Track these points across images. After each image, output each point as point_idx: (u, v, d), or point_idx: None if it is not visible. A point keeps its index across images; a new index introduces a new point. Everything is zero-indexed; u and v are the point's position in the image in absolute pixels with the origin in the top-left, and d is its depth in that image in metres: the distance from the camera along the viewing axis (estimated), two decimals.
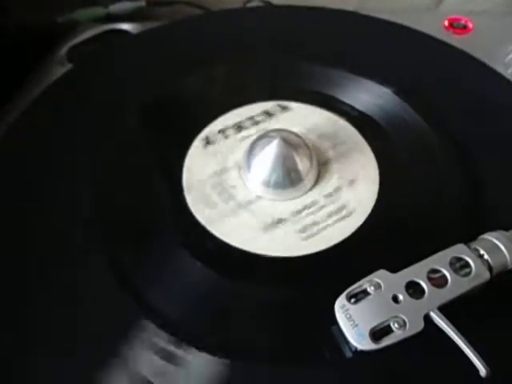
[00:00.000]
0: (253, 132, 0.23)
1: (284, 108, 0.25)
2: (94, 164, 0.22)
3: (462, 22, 0.33)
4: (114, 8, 0.37)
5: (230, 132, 0.24)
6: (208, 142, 0.23)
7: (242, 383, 0.16)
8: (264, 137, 0.21)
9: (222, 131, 0.24)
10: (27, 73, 0.31)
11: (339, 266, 0.19)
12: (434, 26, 0.32)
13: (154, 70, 0.27)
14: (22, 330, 0.17)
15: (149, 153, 0.23)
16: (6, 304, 0.17)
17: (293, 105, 0.25)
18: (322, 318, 0.17)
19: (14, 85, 0.29)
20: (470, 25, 0.33)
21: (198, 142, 0.23)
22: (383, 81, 0.25)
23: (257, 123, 0.24)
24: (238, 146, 0.23)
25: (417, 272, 0.16)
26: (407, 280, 0.15)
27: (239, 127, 0.24)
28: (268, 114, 0.24)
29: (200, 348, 0.16)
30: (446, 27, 0.32)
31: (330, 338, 0.16)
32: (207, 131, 0.24)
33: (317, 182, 0.21)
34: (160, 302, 0.17)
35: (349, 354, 0.16)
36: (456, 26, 0.32)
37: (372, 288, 0.15)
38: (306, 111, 0.24)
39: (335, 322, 0.15)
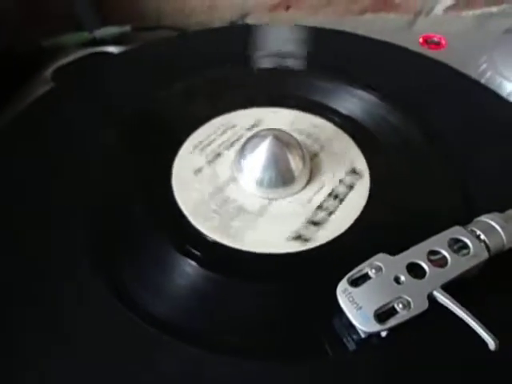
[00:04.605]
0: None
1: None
2: (80, 172, 0.22)
3: (435, 38, 0.35)
4: (100, 33, 0.37)
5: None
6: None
7: (242, 381, 0.15)
8: (256, 136, 0.21)
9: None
10: (13, 93, 0.31)
11: (337, 261, 0.18)
12: (410, 44, 0.34)
13: (132, 86, 0.27)
14: (14, 343, 0.16)
15: (132, 166, 0.23)
16: None
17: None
18: (322, 312, 0.16)
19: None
20: (444, 41, 0.34)
21: (185, 150, 0.23)
22: (368, 87, 0.25)
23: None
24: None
25: (416, 253, 0.16)
26: (407, 261, 0.15)
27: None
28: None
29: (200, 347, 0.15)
30: (420, 43, 0.34)
31: (330, 333, 0.16)
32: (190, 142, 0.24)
33: (309, 180, 0.21)
34: (156, 306, 0.17)
35: (352, 346, 0.15)
36: (430, 42, 0.34)
37: (373, 271, 0.15)
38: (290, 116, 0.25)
39: (337, 311, 0.15)
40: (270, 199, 0.21)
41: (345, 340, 0.16)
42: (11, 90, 0.31)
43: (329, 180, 0.21)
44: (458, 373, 0.15)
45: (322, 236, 0.19)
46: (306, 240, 0.19)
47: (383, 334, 0.15)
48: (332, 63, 0.28)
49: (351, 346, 0.15)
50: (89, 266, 0.18)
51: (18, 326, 0.16)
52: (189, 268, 0.18)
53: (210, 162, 0.22)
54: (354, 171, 0.22)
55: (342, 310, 0.15)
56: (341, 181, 0.21)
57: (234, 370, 0.15)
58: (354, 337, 0.15)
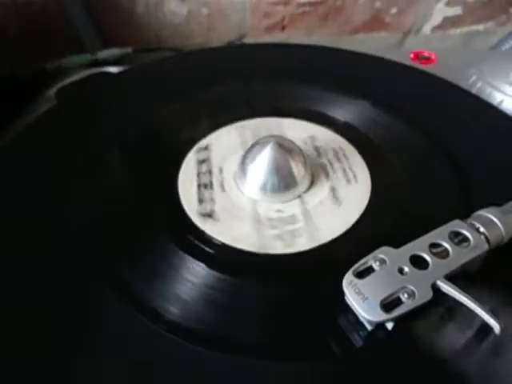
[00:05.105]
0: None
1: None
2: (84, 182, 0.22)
3: (426, 54, 0.36)
4: (102, 55, 0.39)
5: None
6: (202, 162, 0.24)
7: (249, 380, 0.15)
8: (258, 143, 0.22)
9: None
10: (17, 112, 0.32)
11: (341, 259, 0.19)
12: (401, 61, 0.35)
13: (130, 104, 0.28)
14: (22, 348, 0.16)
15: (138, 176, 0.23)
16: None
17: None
18: (328, 310, 0.16)
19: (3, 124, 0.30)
20: (433, 56, 0.36)
21: (189, 159, 0.24)
22: (362, 96, 0.26)
23: None
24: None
25: (419, 246, 0.16)
26: (410, 254, 0.16)
27: None
28: None
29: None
30: (411, 59, 0.36)
31: (337, 331, 0.16)
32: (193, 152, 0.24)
33: (311, 183, 0.22)
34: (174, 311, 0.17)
35: (359, 343, 0.16)
36: (421, 58, 0.36)
37: (377, 263, 0.15)
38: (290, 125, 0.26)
39: (344, 308, 0.15)
40: (274, 203, 0.21)
41: (352, 337, 0.16)
42: (16, 110, 0.32)
43: (330, 183, 0.22)
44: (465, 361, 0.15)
45: (325, 236, 0.19)
46: (310, 240, 0.19)
47: (389, 326, 0.15)
48: (328, 76, 0.29)
49: (358, 343, 0.16)
50: (101, 269, 0.18)
51: (24, 325, 0.16)
52: (197, 270, 0.18)
53: (214, 169, 0.23)
54: (354, 174, 0.22)
55: (349, 301, 0.15)
56: (342, 183, 0.22)
57: (240, 369, 0.15)
58: (361, 333, 0.16)
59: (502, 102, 0.30)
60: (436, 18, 0.42)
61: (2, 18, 0.36)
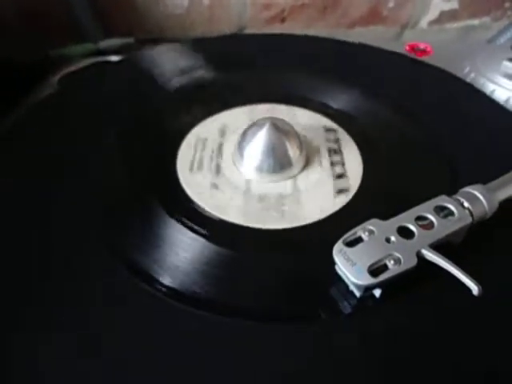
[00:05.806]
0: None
1: None
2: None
3: (421, 46, 0.37)
4: (104, 44, 0.40)
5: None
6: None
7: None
8: (254, 125, 0.22)
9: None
10: (18, 99, 0.33)
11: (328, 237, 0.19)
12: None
13: (133, 91, 0.29)
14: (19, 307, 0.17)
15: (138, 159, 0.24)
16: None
17: None
18: (319, 282, 0.17)
19: (5, 110, 0.30)
20: (429, 49, 0.37)
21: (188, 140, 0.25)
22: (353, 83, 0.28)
23: None
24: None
25: (405, 218, 0.17)
26: (397, 225, 0.16)
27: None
28: None
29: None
30: (407, 51, 0.36)
31: (327, 299, 0.17)
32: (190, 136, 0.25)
33: (306, 164, 0.23)
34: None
35: (348, 309, 0.16)
36: (417, 50, 0.36)
37: (366, 234, 0.16)
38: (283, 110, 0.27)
39: (334, 279, 0.16)
40: (269, 183, 0.22)
41: (341, 304, 0.16)
42: (18, 97, 0.33)
43: (324, 165, 0.23)
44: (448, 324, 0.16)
45: (318, 214, 0.20)
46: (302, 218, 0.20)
47: (377, 294, 0.16)
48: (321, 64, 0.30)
49: (347, 309, 0.16)
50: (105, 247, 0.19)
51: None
52: (193, 241, 0.19)
53: (213, 148, 0.24)
54: (347, 158, 0.23)
55: (338, 269, 0.16)
56: (335, 167, 0.23)
57: (239, 331, 0.16)
58: (351, 300, 0.17)
59: (494, 91, 0.30)
60: (433, 13, 0.43)
61: (3, 6, 0.36)
